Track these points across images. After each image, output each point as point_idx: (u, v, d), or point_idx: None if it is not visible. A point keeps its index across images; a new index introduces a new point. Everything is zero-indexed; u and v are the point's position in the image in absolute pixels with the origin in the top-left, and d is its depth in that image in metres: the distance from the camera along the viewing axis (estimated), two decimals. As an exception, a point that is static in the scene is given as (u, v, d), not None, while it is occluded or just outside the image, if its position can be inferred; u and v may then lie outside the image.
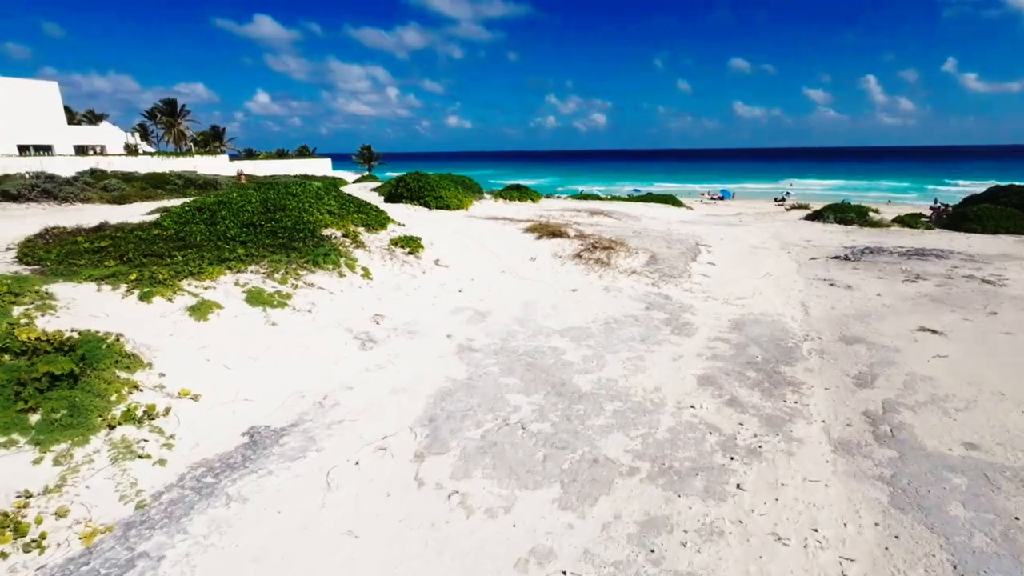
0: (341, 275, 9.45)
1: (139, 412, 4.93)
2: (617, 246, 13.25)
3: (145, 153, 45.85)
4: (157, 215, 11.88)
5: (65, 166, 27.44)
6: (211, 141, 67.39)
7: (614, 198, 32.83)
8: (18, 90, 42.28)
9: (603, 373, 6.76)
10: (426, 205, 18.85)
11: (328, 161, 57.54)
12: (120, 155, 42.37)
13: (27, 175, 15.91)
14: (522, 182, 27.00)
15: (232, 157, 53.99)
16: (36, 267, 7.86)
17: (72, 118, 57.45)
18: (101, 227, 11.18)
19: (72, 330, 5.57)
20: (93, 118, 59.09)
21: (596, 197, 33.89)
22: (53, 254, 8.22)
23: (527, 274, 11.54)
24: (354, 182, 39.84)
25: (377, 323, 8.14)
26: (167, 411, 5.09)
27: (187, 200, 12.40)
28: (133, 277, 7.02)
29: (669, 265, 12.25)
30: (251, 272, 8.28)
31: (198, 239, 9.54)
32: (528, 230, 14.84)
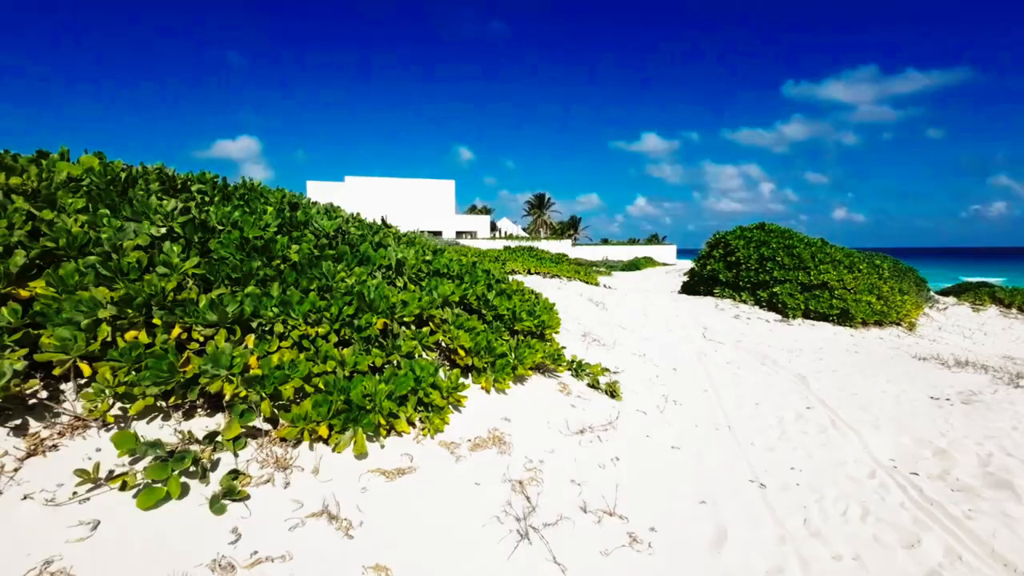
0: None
1: None
2: None
3: (499, 236, 54.99)
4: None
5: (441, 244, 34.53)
6: (567, 229, 77.68)
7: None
8: (426, 188, 58.60)
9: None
10: (778, 307, 9.85)
11: (673, 248, 58.20)
12: (485, 238, 52.39)
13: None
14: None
15: (580, 244, 60.09)
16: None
17: (473, 210, 75.36)
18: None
19: None
20: (479, 211, 75.45)
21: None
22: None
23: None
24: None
25: None
26: None
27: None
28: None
29: None
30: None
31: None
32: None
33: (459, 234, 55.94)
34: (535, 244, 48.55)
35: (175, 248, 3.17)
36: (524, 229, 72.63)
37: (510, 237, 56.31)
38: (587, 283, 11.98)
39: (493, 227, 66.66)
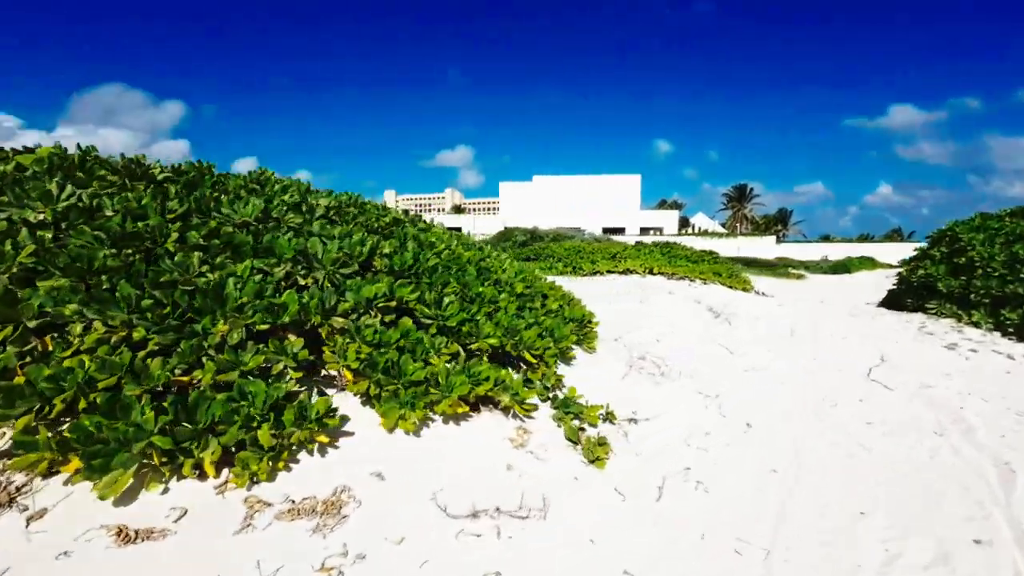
0: None
1: None
2: None
3: (691, 232, 50.38)
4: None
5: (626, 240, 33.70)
6: (773, 224, 68.07)
7: None
8: (610, 184, 56.76)
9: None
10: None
11: (912, 247, 46.79)
12: (671, 234, 48.70)
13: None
14: None
15: (788, 240, 52.56)
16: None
17: (663, 204, 71.02)
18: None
19: None
20: (668, 206, 70.40)
21: None
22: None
23: None
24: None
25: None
26: None
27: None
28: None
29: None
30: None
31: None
32: None
33: (643, 230, 53.19)
34: (734, 241, 42.79)
35: (42, 235, 2.97)
36: (722, 224, 65.21)
37: (703, 234, 51.00)
38: (730, 288, 9.60)
39: (684, 223, 61.57)
